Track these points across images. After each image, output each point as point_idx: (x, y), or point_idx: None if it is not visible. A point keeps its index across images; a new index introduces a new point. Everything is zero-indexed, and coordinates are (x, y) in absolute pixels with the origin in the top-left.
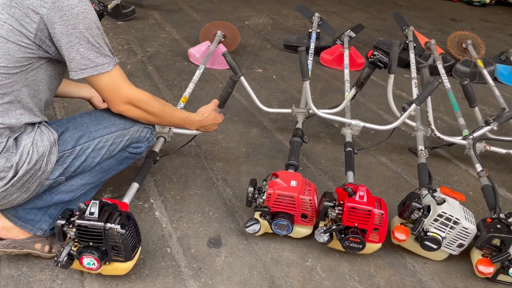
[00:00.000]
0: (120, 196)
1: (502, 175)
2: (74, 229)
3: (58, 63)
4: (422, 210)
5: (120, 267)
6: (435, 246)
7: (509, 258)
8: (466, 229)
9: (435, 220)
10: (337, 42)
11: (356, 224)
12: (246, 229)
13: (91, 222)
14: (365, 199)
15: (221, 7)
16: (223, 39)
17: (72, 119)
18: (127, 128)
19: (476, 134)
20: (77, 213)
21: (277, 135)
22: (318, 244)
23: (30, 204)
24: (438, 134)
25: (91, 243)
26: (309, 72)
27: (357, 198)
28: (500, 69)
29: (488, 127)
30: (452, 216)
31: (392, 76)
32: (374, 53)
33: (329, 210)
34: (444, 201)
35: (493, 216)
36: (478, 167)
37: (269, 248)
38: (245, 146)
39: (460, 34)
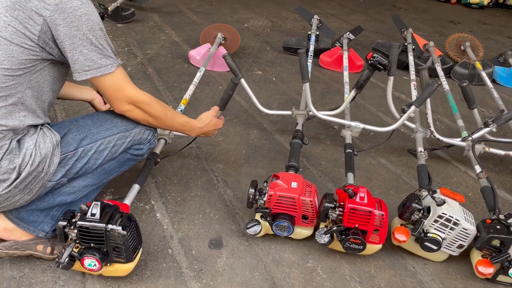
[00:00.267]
0: (121, 197)
1: (501, 177)
2: (75, 230)
3: (61, 65)
4: (422, 211)
5: (121, 268)
6: (435, 247)
7: (508, 258)
8: (466, 230)
9: (435, 221)
10: (336, 44)
11: (356, 225)
12: (247, 231)
13: (93, 224)
14: (365, 200)
15: (220, 10)
16: (223, 42)
17: (74, 121)
18: (129, 130)
19: (475, 136)
20: (79, 214)
21: (277, 137)
22: (318, 245)
23: (33, 206)
24: (437, 135)
25: (92, 244)
26: (309, 74)
27: (357, 199)
28: (499, 71)
29: (487, 129)
30: (452, 217)
31: (391, 78)
32: (374, 55)
33: (329, 211)
34: (444, 202)
35: (493, 217)
36: (477, 169)
37: (270, 249)
38: (245, 147)
39: (459, 36)
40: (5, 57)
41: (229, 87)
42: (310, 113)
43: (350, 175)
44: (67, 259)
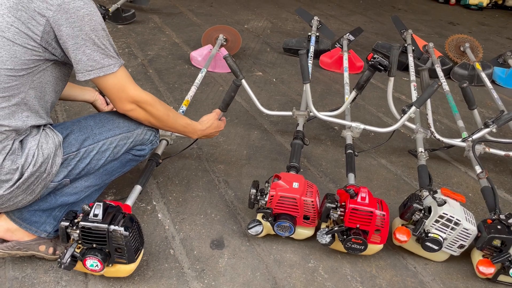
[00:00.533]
0: (123, 198)
1: (501, 177)
2: (77, 231)
3: (64, 65)
4: (423, 212)
5: (123, 269)
6: (436, 247)
7: (509, 258)
8: (467, 230)
9: (436, 221)
10: (336, 45)
11: (358, 225)
12: (249, 231)
13: (95, 224)
14: (367, 201)
15: (220, 11)
16: (225, 43)
17: (76, 121)
18: (131, 131)
19: (475, 136)
20: (81, 215)
21: (278, 138)
22: (320, 246)
23: (35, 206)
24: (437, 136)
25: (94, 245)
26: (309, 75)
27: (359, 199)
28: (498, 72)
29: (487, 129)
30: (453, 217)
31: (392, 79)
32: (374, 56)
33: (331, 211)
34: (445, 203)
35: (493, 217)
36: (478, 169)
37: (272, 250)
38: (246, 148)
39: (458, 37)
40: (8, 57)
41: (231, 88)
42: (311, 113)
43: (351, 176)
44: (69, 259)
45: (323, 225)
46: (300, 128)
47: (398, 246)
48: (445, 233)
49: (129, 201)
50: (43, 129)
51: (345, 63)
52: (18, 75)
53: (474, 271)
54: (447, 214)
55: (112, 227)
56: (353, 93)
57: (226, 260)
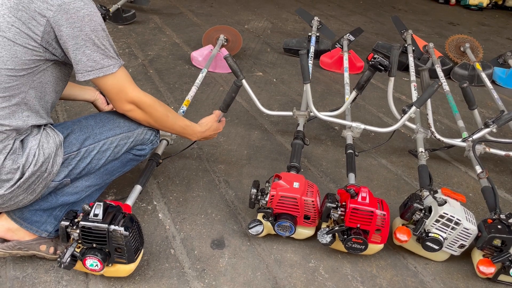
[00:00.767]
0: (123, 198)
1: (502, 177)
2: (78, 231)
3: (64, 65)
4: (423, 211)
5: (123, 269)
6: (436, 247)
7: (510, 258)
8: (467, 229)
9: (437, 221)
10: (336, 45)
11: (358, 225)
12: (249, 231)
13: (95, 224)
14: (367, 200)
15: (220, 11)
16: (225, 43)
17: (77, 121)
18: (131, 131)
19: (475, 136)
20: (81, 214)
21: (278, 138)
22: (320, 245)
23: (36, 206)
24: (438, 136)
25: (94, 245)
26: (310, 75)
27: (359, 199)
28: (498, 72)
29: (487, 129)
30: (454, 217)
31: (392, 79)
32: (375, 56)
33: (331, 211)
34: (445, 202)
35: (494, 217)
36: (478, 169)
37: (272, 249)
38: (246, 148)
39: (458, 38)
40: (8, 57)
41: (231, 89)
42: (311, 114)
43: (352, 176)
44: (69, 259)
45: (324, 225)
46: (300, 128)
47: (399, 246)
48: (445, 232)
49: (130, 201)
50: (43, 128)
51: (346, 63)
52: (19, 75)
53: (474, 271)
54: (447, 214)
55: (112, 227)
56: (354, 93)
57: (226, 260)
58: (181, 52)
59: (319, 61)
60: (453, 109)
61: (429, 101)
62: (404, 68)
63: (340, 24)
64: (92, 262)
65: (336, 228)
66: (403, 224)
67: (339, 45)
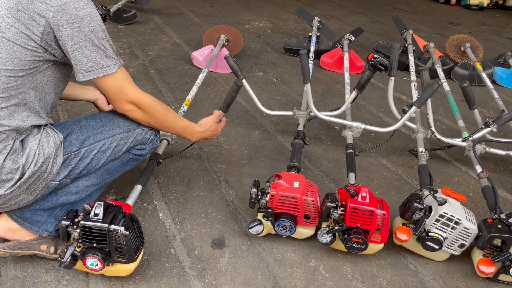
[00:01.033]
0: (123, 197)
1: (502, 177)
2: (78, 230)
3: (63, 66)
4: (423, 211)
5: (123, 269)
6: (436, 246)
7: (510, 258)
8: (468, 229)
9: (437, 220)
10: (336, 45)
11: (358, 225)
12: (249, 230)
13: (96, 224)
14: (367, 200)
15: (221, 11)
16: (226, 43)
17: (77, 121)
18: (131, 130)
19: (475, 136)
20: (82, 214)
21: (279, 138)
22: (320, 245)
23: (36, 206)
24: (438, 136)
25: (95, 244)
26: (310, 75)
27: (359, 199)
28: (499, 72)
29: (487, 129)
30: (454, 217)
31: (392, 79)
32: (375, 56)
33: (331, 211)
34: (446, 202)
35: (494, 217)
36: (478, 169)
37: (272, 249)
38: (247, 148)
39: (459, 37)
40: (8, 58)
41: (232, 89)
42: (312, 113)
43: (352, 175)
44: (69, 258)
45: (324, 225)
46: (300, 128)
47: (399, 246)
48: (445, 232)
49: (130, 201)
50: (43, 128)
51: (346, 63)
52: (18, 75)
53: (474, 270)
54: (447, 214)
55: (112, 226)
56: (354, 93)
57: (227, 260)
58: (181, 52)
59: (320, 61)
60: (454, 108)
61: (429, 101)
62: (405, 68)
63: (341, 24)
64: (93, 262)
65: (336, 228)
66: (403, 224)
67: (340, 45)
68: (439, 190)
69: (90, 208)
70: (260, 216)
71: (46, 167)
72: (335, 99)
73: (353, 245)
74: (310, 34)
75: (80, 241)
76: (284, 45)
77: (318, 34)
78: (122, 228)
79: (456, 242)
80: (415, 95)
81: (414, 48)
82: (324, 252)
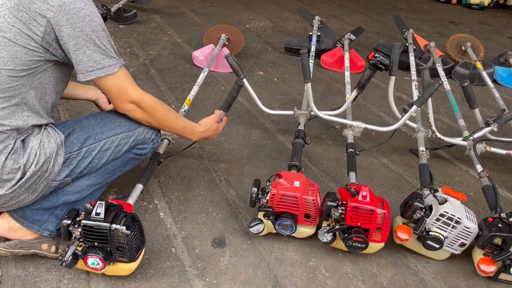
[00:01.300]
0: (124, 197)
1: (502, 176)
2: (79, 229)
3: (64, 66)
4: (424, 210)
5: (124, 268)
6: (437, 246)
7: (510, 257)
8: (468, 228)
9: (437, 219)
10: (337, 45)
11: (359, 224)
12: (250, 229)
13: (97, 223)
14: (368, 199)
15: (222, 11)
16: (227, 43)
17: (78, 121)
18: (132, 130)
19: (476, 135)
20: (83, 213)
21: (279, 137)
22: (321, 244)
23: (37, 205)
24: (438, 135)
25: (96, 243)
26: (311, 74)
27: (360, 198)
28: (499, 71)
29: (488, 128)
30: (454, 216)
31: (393, 78)
32: (376, 55)
33: (332, 210)
34: (446, 201)
35: (494, 216)
36: (479, 168)
37: (273, 248)
38: (247, 147)
39: (459, 37)
40: (9, 58)
41: (233, 89)
42: (312, 113)
43: (352, 175)
44: (70, 257)
45: (324, 224)
46: (301, 127)
47: (399, 245)
48: (446, 231)
49: (131, 200)
50: (45, 128)
51: (346, 63)
52: (19, 75)
53: (475, 270)
54: (448, 213)
55: (114, 225)
56: (354, 92)
57: (227, 259)
58: (182, 52)
59: (320, 61)
60: (454, 108)
61: (430, 100)
62: (405, 67)
63: (341, 23)
64: (94, 261)
65: (336, 227)
66: (403, 223)
67: (340, 44)
68: (439, 189)
69: (91, 207)
70: (260, 215)
71: (47, 166)
72: (335, 99)
73: (354, 244)
74: (310, 33)
75: (81, 240)
76: (284, 45)
77: (318, 33)
78: (124, 228)
79: (456, 241)
80: (415, 94)
81: (414, 47)
82: (324, 251)
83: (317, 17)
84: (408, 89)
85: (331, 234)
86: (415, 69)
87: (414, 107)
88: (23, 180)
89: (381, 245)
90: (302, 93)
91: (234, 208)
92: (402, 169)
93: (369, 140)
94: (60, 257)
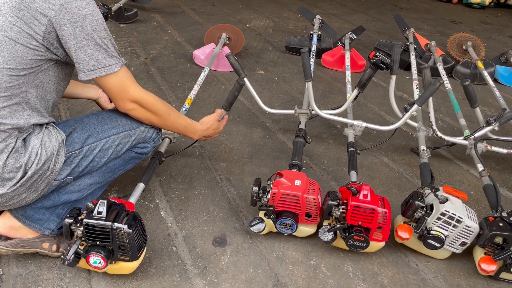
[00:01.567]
0: (126, 195)
1: (503, 175)
2: (81, 228)
3: (65, 65)
4: (425, 209)
5: (126, 267)
6: (438, 245)
7: (511, 256)
8: (469, 227)
9: (438, 218)
10: (338, 44)
11: (360, 223)
12: (251, 228)
13: (99, 222)
14: (368, 198)
15: (222, 10)
16: (228, 42)
17: (79, 119)
18: (133, 129)
19: (477, 134)
20: (85, 212)
21: (280, 136)
22: (322, 243)
23: (38, 204)
24: (439, 134)
25: (98, 242)
26: (312, 73)
27: (361, 197)
28: (500, 71)
29: (489, 127)
30: (455, 215)
31: (394, 77)
32: (377, 54)
33: (333, 209)
34: (447, 200)
35: (495, 215)
36: (480, 167)
37: (274, 247)
38: (248, 146)
39: (460, 36)
40: (10, 57)
41: (234, 88)
42: (313, 112)
43: (353, 174)
44: (72, 256)
45: (325, 223)
46: (302, 126)
47: (400, 244)
48: (447, 230)
49: (132, 199)
50: (46, 127)
51: (347, 62)
52: (20, 74)
53: (476, 269)
54: (449, 212)
55: (115, 224)
56: (355, 92)
57: (228, 258)
58: (183, 51)
59: (321, 60)
60: (455, 107)
61: (430, 99)
62: (406, 66)
63: (342, 22)
64: (96, 260)
65: (337, 226)
66: (404, 222)
67: (341, 44)
68: (440, 188)
69: (93, 206)
70: (261, 214)
71: (49, 165)
72: (336, 98)
73: (355, 243)
74: (311, 32)
75: (83, 239)
76: (285, 44)
77: (319, 32)
78: (125, 226)
79: (457, 240)
80: (416, 93)
81: (415, 46)
82: (325, 250)
83: (318, 16)
84: (409, 88)
85: (332, 233)
86: (416, 68)
87: (415, 106)
88: (24, 179)
89: (382, 244)
90: (303, 92)
91: (235, 207)
92: (403, 168)
93: (370, 139)
94: (62, 256)
